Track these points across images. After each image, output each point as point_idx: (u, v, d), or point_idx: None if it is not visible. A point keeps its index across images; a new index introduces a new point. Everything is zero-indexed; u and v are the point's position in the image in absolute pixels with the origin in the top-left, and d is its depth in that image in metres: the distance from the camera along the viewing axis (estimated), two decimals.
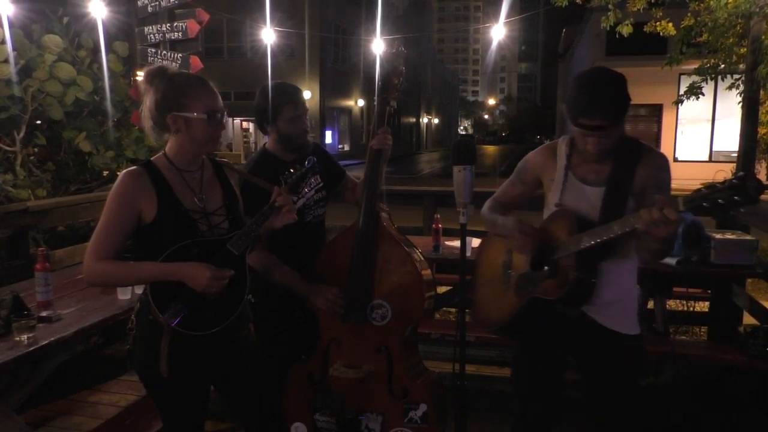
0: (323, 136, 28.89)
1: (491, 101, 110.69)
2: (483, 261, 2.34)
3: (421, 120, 53.39)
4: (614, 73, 1.89)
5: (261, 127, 2.55)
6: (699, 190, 1.54)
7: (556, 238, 1.98)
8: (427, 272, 2.42)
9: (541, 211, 2.17)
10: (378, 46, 7.38)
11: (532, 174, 2.19)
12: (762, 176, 16.10)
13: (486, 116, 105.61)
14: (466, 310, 2.43)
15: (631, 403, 2.06)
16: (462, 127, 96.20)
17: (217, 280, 1.82)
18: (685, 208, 1.57)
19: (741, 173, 1.48)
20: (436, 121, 62.03)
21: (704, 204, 1.52)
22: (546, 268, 1.98)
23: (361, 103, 34.46)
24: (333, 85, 30.02)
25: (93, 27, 4.93)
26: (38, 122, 4.97)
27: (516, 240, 2.04)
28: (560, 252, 1.94)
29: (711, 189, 1.51)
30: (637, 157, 1.95)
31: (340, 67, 31.14)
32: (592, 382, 2.13)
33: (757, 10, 4.50)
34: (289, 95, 2.47)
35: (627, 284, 2.05)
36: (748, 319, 3.87)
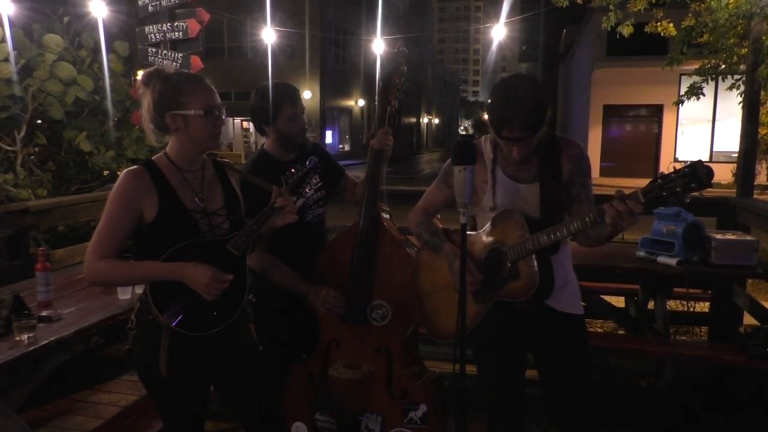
0: (323, 136, 28.88)
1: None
2: (426, 271, 2.29)
3: (421, 120, 53.37)
4: (529, 81, 1.93)
5: (259, 128, 2.54)
6: (654, 181, 1.64)
7: (506, 240, 1.99)
8: None
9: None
10: (378, 46, 7.37)
11: None
12: (762, 177, 16.11)
13: (485, 116, 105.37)
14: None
15: (586, 380, 2.16)
16: (462, 128, 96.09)
17: (217, 282, 1.82)
18: (644, 200, 1.65)
19: (692, 162, 1.58)
20: (436, 121, 62.02)
21: (663, 194, 1.60)
22: (501, 272, 2.01)
23: (361, 103, 34.45)
24: (333, 85, 30.02)
25: (93, 26, 4.93)
26: (39, 122, 4.97)
27: (469, 276, 2.01)
28: (517, 253, 1.96)
29: (665, 179, 1.61)
30: (557, 149, 2.02)
31: (340, 67, 31.14)
32: (551, 367, 2.17)
33: (758, 10, 4.49)
34: (287, 94, 2.47)
35: (569, 267, 2.15)
36: (748, 320, 3.87)
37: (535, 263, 1.95)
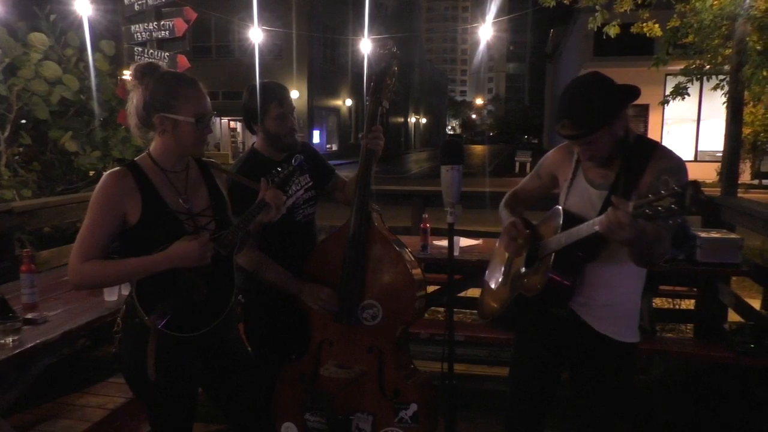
0: (311, 136, 28.83)
1: (479, 101, 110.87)
2: (494, 256, 2.37)
3: (409, 120, 53.41)
4: (597, 81, 1.84)
5: (249, 126, 2.54)
6: (648, 196, 1.52)
7: (547, 236, 2.00)
8: (418, 272, 2.42)
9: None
10: (366, 45, 7.37)
11: (549, 170, 2.20)
12: (746, 176, 16.28)
13: (474, 116, 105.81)
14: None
15: (615, 408, 2.05)
16: (450, 127, 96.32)
17: (204, 246, 1.80)
18: (633, 214, 1.54)
19: (688, 182, 1.43)
20: (424, 120, 62.08)
21: (647, 211, 1.49)
22: (533, 265, 2.01)
23: (349, 102, 34.42)
24: (321, 85, 29.97)
25: (79, 25, 4.89)
26: (23, 122, 4.92)
27: (503, 241, 2.08)
28: (544, 250, 1.96)
29: (657, 196, 1.48)
30: (647, 159, 1.87)
31: (328, 67, 31.09)
32: (580, 384, 2.12)
33: (742, 11, 4.54)
34: (275, 93, 2.46)
35: (624, 289, 2.00)
36: (733, 317, 3.91)
37: (552, 263, 1.90)
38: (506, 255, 2.22)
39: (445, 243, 2.33)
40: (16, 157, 5.00)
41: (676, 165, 1.86)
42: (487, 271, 2.39)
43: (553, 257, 1.90)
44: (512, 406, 2.24)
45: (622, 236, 1.60)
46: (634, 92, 1.83)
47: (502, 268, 2.24)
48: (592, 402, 2.07)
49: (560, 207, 2.02)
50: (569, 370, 2.15)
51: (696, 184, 1.42)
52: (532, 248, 2.02)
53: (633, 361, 2.07)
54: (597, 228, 1.67)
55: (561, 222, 1.92)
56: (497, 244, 2.34)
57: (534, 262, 2.01)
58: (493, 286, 2.29)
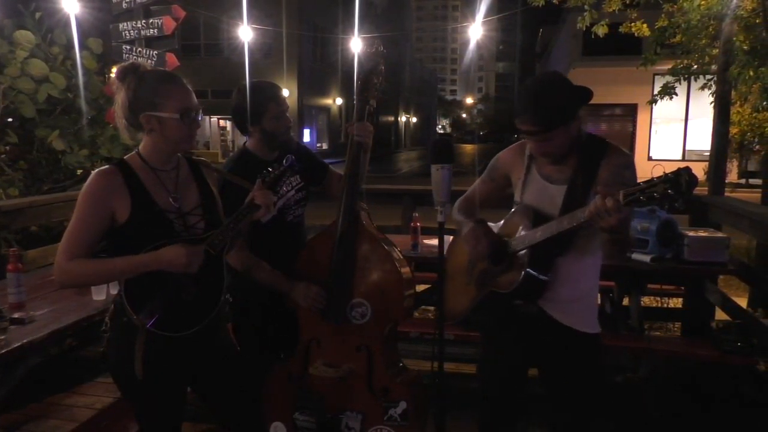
0: (301, 135, 28.75)
1: (469, 100, 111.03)
2: (452, 256, 2.39)
3: (399, 119, 53.43)
4: (555, 79, 1.92)
5: (242, 127, 2.52)
6: (639, 184, 1.59)
7: (514, 233, 2.04)
8: (406, 271, 2.42)
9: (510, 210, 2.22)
10: (356, 44, 7.36)
11: (502, 171, 2.24)
12: (733, 174, 16.42)
13: (464, 115, 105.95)
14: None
15: (587, 399, 2.09)
16: (440, 126, 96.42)
17: (194, 255, 1.80)
18: (624, 201, 1.60)
19: (679, 168, 1.51)
20: (414, 120, 62.13)
21: (641, 197, 1.56)
22: (502, 263, 2.05)
23: (339, 101, 34.37)
24: (311, 84, 29.90)
25: (66, 23, 4.84)
26: (10, 120, 4.87)
27: (468, 245, 2.11)
28: (515, 247, 2.00)
29: (648, 183, 1.56)
30: (601, 155, 1.98)
31: (318, 66, 31.02)
32: (550, 378, 2.17)
33: (729, 12, 4.58)
34: (271, 93, 2.45)
35: (588, 283, 2.09)
36: (720, 315, 3.95)
37: (527, 259, 1.96)
38: (466, 256, 2.23)
39: (435, 242, 2.34)
40: (3, 156, 4.95)
41: (628, 160, 2.00)
42: (447, 274, 2.38)
43: (528, 253, 1.95)
44: (485, 404, 2.28)
45: (609, 223, 1.66)
46: (589, 95, 1.93)
47: (465, 269, 2.26)
48: (564, 395, 2.12)
49: (527, 204, 2.05)
50: (538, 365, 2.20)
51: (688, 170, 1.51)
52: (500, 247, 2.06)
53: (598, 351, 2.14)
54: (584, 217, 1.72)
55: (532, 219, 1.98)
56: (450, 245, 2.39)
57: (502, 260, 2.05)
58: (456, 286, 2.30)
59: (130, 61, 1.96)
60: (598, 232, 1.86)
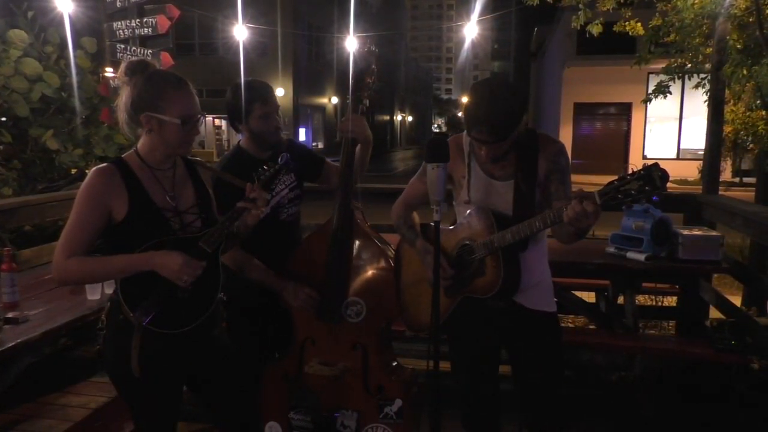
0: (297, 134, 28.72)
1: (464, 99, 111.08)
2: (405, 265, 2.36)
3: (395, 118, 53.45)
4: (506, 88, 1.92)
5: (234, 125, 2.53)
6: (612, 182, 1.65)
7: (477, 237, 2.04)
8: None
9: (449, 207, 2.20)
10: (351, 44, 7.36)
11: None
12: (727, 173, 16.49)
13: (459, 114, 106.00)
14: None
15: (554, 375, 2.18)
16: (436, 125, 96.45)
17: (190, 268, 1.80)
18: (600, 201, 1.66)
19: (646, 164, 1.57)
20: (410, 119, 62.17)
21: (618, 195, 1.62)
22: (468, 268, 2.06)
23: (334, 100, 34.34)
24: (306, 83, 29.86)
25: (60, 22, 4.82)
26: (3, 119, 4.85)
27: (431, 269, 2.06)
28: (484, 250, 2.01)
29: (622, 181, 1.62)
30: (536, 147, 2.04)
31: (313, 65, 30.99)
32: (523, 363, 2.20)
33: (722, 10, 4.58)
34: (258, 93, 2.44)
35: (543, 266, 2.17)
36: (714, 314, 3.96)
37: (501, 261, 1.99)
38: (423, 267, 2.21)
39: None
40: None
41: (561, 147, 2.07)
42: (402, 284, 2.36)
43: (501, 254, 1.99)
44: (466, 402, 2.28)
45: (588, 223, 1.71)
46: (527, 98, 1.95)
47: (426, 279, 2.21)
48: (535, 377, 2.17)
49: (483, 206, 2.05)
50: (509, 351, 2.24)
51: (657, 165, 1.58)
52: (463, 256, 2.07)
53: (559, 328, 2.26)
54: (559, 219, 1.77)
55: (493, 220, 2.00)
56: (397, 254, 2.39)
57: (468, 264, 2.06)
58: (421, 295, 2.26)
59: (140, 57, 1.95)
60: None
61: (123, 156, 1.93)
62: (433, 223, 1.86)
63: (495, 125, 1.88)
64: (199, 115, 1.89)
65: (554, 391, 2.18)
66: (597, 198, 1.66)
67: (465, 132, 2.14)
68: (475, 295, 2.07)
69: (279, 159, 2.05)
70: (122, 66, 1.90)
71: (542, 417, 2.20)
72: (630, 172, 1.62)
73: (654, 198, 1.57)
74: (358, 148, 2.45)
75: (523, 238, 1.92)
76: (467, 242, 2.07)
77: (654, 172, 1.56)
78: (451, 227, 2.16)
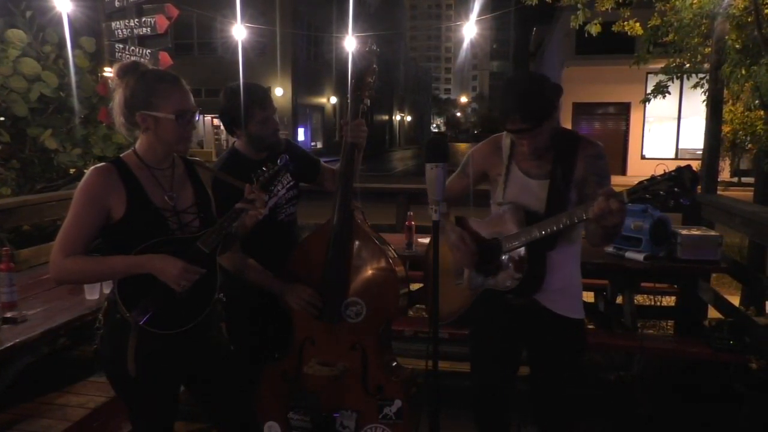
0: (296, 134, 28.71)
1: (463, 99, 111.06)
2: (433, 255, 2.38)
3: (393, 118, 53.44)
4: (533, 77, 1.96)
5: (229, 130, 2.51)
6: (641, 182, 1.63)
7: (506, 232, 2.05)
8: (400, 269, 2.42)
9: (487, 207, 2.24)
10: (350, 43, 7.35)
11: (477, 167, 2.26)
12: (726, 173, 16.51)
13: (458, 114, 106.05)
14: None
15: (572, 383, 2.18)
16: (434, 125, 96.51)
17: (188, 273, 1.80)
18: (629, 200, 1.65)
19: (679, 166, 1.56)
20: (408, 118, 62.16)
21: (646, 195, 1.61)
22: (495, 262, 2.07)
23: (333, 100, 34.34)
24: (305, 83, 29.84)
25: (58, 22, 4.82)
26: (2, 119, 4.85)
27: (457, 255, 2.13)
28: (510, 245, 2.02)
29: (652, 181, 1.61)
30: (575, 148, 2.04)
31: (312, 65, 30.97)
32: (539, 364, 2.21)
33: (721, 10, 4.59)
34: (257, 97, 2.42)
35: (572, 270, 2.15)
36: (713, 313, 3.97)
37: (526, 256, 1.99)
38: (450, 255, 2.23)
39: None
40: None
41: (600, 150, 2.06)
42: (426, 271, 2.40)
43: (524, 251, 1.98)
44: (478, 398, 2.30)
45: (613, 222, 1.70)
46: (561, 88, 2.00)
47: (452, 269, 2.26)
48: (549, 381, 2.17)
49: (516, 202, 2.07)
50: (527, 347, 2.24)
51: (689, 167, 1.55)
52: (490, 248, 2.07)
53: (584, 335, 2.24)
54: (588, 216, 1.76)
55: (523, 217, 2.01)
56: (431, 245, 2.37)
57: (494, 258, 2.07)
58: (444, 286, 2.26)
59: (132, 59, 1.96)
60: (582, 224, 1.90)
61: (121, 156, 1.93)
62: (432, 222, 1.87)
63: (526, 111, 1.89)
64: (193, 110, 1.89)
65: (566, 397, 2.17)
66: (625, 197, 1.65)
67: (506, 132, 2.14)
68: (495, 288, 2.07)
69: (279, 160, 2.05)
70: (114, 68, 1.92)
71: (551, 421, 2.21)
72: (663, 172, 1.60)
73: (683, 201, 1.56)
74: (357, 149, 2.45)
75: (550, 234, 1.91)
76: (496, 236, 2.08)
77: (685, 174, 1.54)
78: (485, 220, 2.18)
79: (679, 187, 1.55)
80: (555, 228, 1.89)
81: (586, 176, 2.01)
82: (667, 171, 1.59)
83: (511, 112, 1.91)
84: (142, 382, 1.87)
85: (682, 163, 1.62)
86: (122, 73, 1.88)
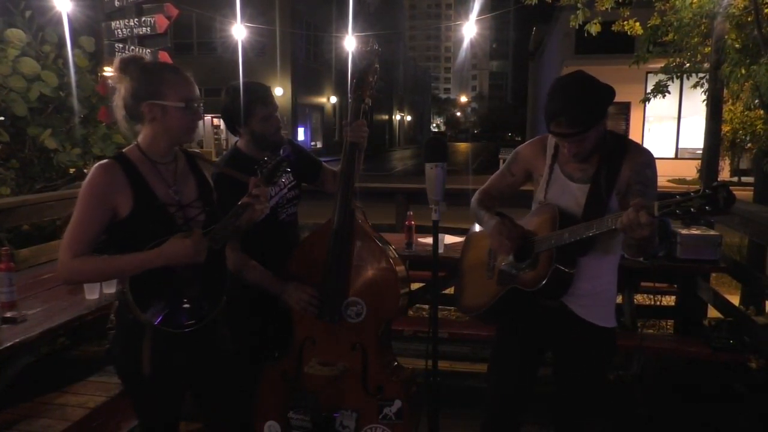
0: (296, 134, 28.71)
1: (463, 99, 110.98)
2: (470, 249, 2.39)
3: (393, 117, 53.44)
4: (587, 80, 1.90)
5: (231, 128, 2.51)
6: (674, 196, 1.59)
7: (539, 232, 2.03)
8: (401, 269, 2.42)
9: (530, 207, 2.22)
10: (350, 43, 7.35)
11: (522, 166, 2.23)
12: (725, 173, 16.50)
13: (458, 114, 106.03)
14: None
15: (596, 391, 2.15)
16: (434, 125, 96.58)
17: (199, 244, 1.79)
18: (659, 214, 1.61)
19: (716, 183, 1.51)
20: (408, 118, 62.17)
21: (677, 211, 1.57)
22: (527, 260, 2.04)
23: (333, 100, 34.34)
24: (305, 82, 29.84)
25: (58, 21, 4.81)
26: (1, 118, 4.84)
27: (494, 241, 2.10)
28: (541, 246, 1.99)
29: (685, 197, 1.56)
30: (623, 154, 1.98)
31: (311, 64, 30.97)
32: (563, 370, 2.19)
33: (721, 10, 4.59)
34: (259, 94, 2.43)
35: (606, 279, 2.10)
36: (712, 313, 3.97)
37: (554, 258, 1.95)
38: (487, 250, 2.23)
39: (429, 240, 2.35)
40: None
41: (649, 159, 1.99)
42: (463, 267, 2.40)
43: (555, 252, 1.95)
44: (493, 397, 2.27)
45: (641, 234, 1.66)
46: (614, 91, 1.92)
47: (484, 263, 2.26)
48: (572, 388, 2.15)
49: (553, 204, 2.05)
50: (553, 352, 2.21)
51: (726, 186, 1.50)
52: (526, 244, 2.05)
53: (613, 345, 2.18)
54: (616, 227, 1.72)
55: (558, 218, 1.97)
56: (467, 237, 2.41)
57: (527, 257, 2.05)
58: (475, 280, 2.30)
59: (131, 53, 1.95)
60: (620, 234, 1.85)
61: (124, 150, 1.90)
62: (432, 222, 1.86)
63: (572, 116, 1.85)
64: (199, 100, 1.89)
65: (588, 403, 2.15)
66: (656, 210, 1.61)
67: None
68: (522, 287, 2.04)
69: (281, 151, 2.05)
70: (115, 61, 1.89)
71: (568, 424, 2.20)
72: (698, 189, 1.55)
73: (713, 220, 1.56)
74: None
75: (579, 239, 1.87)
76: (529, 236, 2.06)
77: (720, 194, 1.49)
78: (522, 219, 2.16)
79: (711, 205, 1.50)
80: (585, 234, 1.85)
81: (631, 184, 1.95)
82: (702, 188, 1.54)
83: (557, 115, 1.87)
84: (154, 381, 1.87)
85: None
86: (124, 66, 1.86)
